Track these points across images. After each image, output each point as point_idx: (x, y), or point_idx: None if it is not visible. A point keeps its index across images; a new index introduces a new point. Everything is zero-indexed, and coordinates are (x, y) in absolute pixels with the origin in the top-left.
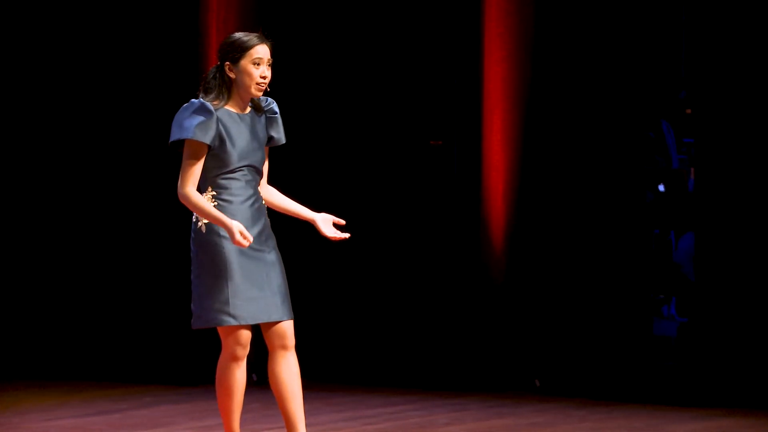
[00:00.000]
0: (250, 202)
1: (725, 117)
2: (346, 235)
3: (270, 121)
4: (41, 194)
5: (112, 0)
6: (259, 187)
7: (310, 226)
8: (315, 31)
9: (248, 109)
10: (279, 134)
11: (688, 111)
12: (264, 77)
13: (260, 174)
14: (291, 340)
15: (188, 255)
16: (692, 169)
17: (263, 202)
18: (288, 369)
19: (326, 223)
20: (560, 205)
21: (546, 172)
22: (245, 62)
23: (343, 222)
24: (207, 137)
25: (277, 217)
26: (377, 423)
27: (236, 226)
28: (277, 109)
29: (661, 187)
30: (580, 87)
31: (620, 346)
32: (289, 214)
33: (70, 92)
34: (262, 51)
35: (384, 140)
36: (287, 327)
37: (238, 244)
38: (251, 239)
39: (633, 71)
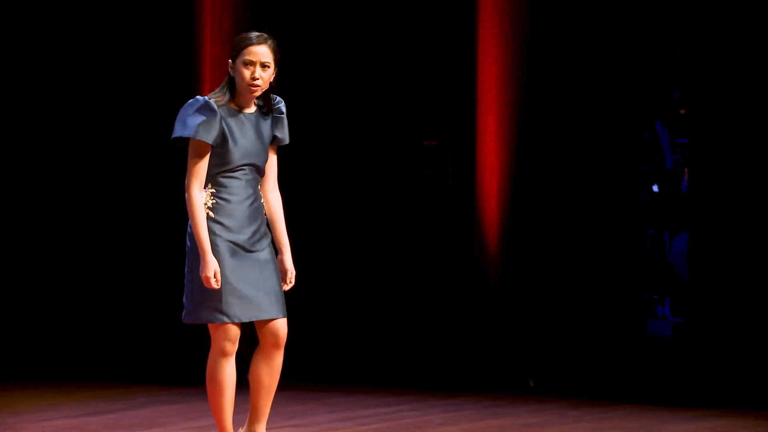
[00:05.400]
0: (248, 201)
1: (719, 117)
2: (287, 287)
3: (275, 121)
4: (36, 195)
5: None
6: (259, 186)
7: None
8: (309, 30)
9: (253, 108)
10: (283, 134)
11: (683, 111)
12: (255, 79)
13: (261, 173)
14: (283, 338)
15: (183, 256)
16: (686, 170)
17: (262, 201)
18: (272, 366)
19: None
20: (555, 206)
21: (540, 173)
22: (239, 62)
23: (288, 286)
24: (209, 137)
25: None
26: (372, 423)
27: (211, 266)
28: (284, 109)
29: (655, 188)
30: (574, 87)
31: (615, 346)
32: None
33: (64, 92)
34: (257, 52)
35: (378, 140)
36: (281, 325)
37: (207, 283)
38: (217, 287)
39: (627, 71)
